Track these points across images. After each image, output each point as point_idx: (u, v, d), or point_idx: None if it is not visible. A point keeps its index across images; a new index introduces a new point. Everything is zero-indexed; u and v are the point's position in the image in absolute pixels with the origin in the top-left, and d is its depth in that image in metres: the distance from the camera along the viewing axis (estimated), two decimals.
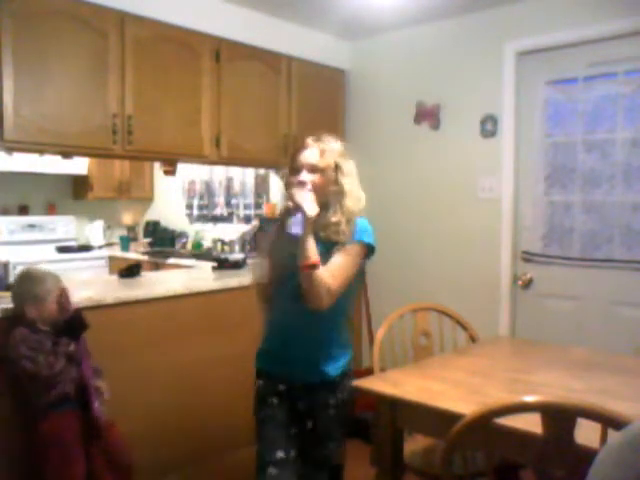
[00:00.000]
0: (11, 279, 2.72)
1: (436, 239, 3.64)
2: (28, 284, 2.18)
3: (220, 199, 5.29)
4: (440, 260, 3.62)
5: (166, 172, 5.53)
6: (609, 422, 1.24)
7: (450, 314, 2.60)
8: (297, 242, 1.65)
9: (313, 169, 1.75)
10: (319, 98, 3.87)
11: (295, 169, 1.76)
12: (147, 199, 5.93)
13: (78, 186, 5.48)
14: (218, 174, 5.28)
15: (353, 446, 3.32)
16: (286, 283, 1.77)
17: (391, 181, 3.84)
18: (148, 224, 5.76)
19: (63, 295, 2.19)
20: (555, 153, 3.18)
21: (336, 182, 1.77)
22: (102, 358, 2.42)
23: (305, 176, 1.73)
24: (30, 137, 2.57)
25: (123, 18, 2.83)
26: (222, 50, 3.26)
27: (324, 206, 1.74)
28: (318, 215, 1.68)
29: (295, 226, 1.64)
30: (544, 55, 3.19)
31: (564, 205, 3.16)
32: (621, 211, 2.97)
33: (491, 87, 3.36)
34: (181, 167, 5.20)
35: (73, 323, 2.17)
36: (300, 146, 1.81)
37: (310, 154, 1.77)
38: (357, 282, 1.85)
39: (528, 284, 3.28)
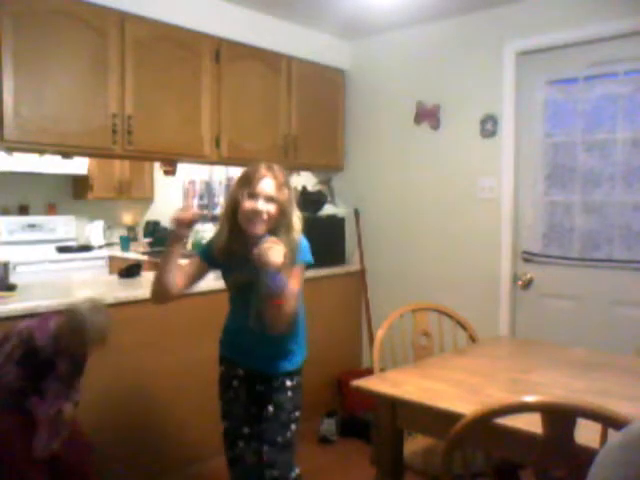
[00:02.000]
0: (11, 279, 2.73)
1: (436, 239, 3.64)
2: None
3: (220, 199, 5.30)
4: (440, 260, 3.62)
5: (166, 172, 5.55)
6: (609, 422, 1.24)
7: (450, 314, 2.60)
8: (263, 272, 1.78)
9: (269, 199, 1.90)
10: (319, 98, 3.87)
11: (253, 195, 1.90)
12: (147, 199, 5.93)
13: (78, 186, 5.48)
14: (218, 174, 5.28)
15: (353, 446, 3.34)
16: (241, 306, 2.00)
17: (391, 181, 3.84)
18: (148, 224, 5.76)
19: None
20: (555, 153, 3.18)
21: (285, 214, 1.93)
22: (102, 358, 2.42)
23: (262, 205, 1.89)
24: (30, 137, 2.57)
25: (123, 18, 2.83)
26: (222, 50, 3.26)
27: (273, 232, 1.90)
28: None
29: (277, 280, 1.76)
30: (544, 55, 3.19)
31: (564, 205, 3.16)
32: (621, 211, 2.97)
33: (491, 87, 3.36)
34: (181, 167, 5.22)
35: None
36: (256, 174, 1.93)
37: (268, 185, 1.91)
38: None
39: (528, 284, 3.28)
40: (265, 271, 1.75)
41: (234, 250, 1.97)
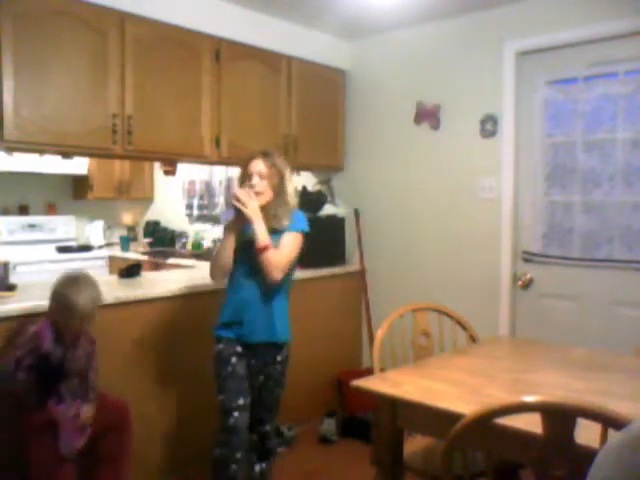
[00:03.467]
0: (11, 279, 2.72)
1: (436, 239, 3.64)
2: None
3: (220, 199, 5.29)
4: (440, 260, 3.62)
5: (166, 172, 5.55)
6: (609, 422, 1.24)
7: (450, 314, 2.60)
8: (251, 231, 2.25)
9: (262, 176, 2.31)
10: (319, 98, 3.87)
11: (247, 175, 2.34)
12: (147, 199, 5.93)
13: (78, 186, 5.48)
14: (218, 174, 5.28)
15: (353, 446, 3.34)
16: (244, 263, 2.33)
17: (391, 181, 3.84)
18: (148, 224, 5.76)
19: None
20: (555, 153, 3.18)
21: (281, 186, 2.34)
22: (101, 358, 2.42)
23: (255, 180, 2.31)
24: (30, 137, 2.57)
25: (123, 18, 2.83)
26: (222, 50, 3.26)
27: (271, 204, 2.32)
28: (263, 208, 2.27)
29: (223, 215, 2.11)
30: (544, 55, 3.19)
31: (564, 205, 3.16)
32: (621, 211, 2.97)
33: (491, 87, 3.36)
34: (181, 167, 5.22)
35: None
36: (249, 157, 2.37)
37: (258, 164, 2.32)
38: (296, 261, 2.42)
39: (528, 284, 3.27)
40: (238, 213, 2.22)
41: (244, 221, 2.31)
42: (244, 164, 2.38)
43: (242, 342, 2.35)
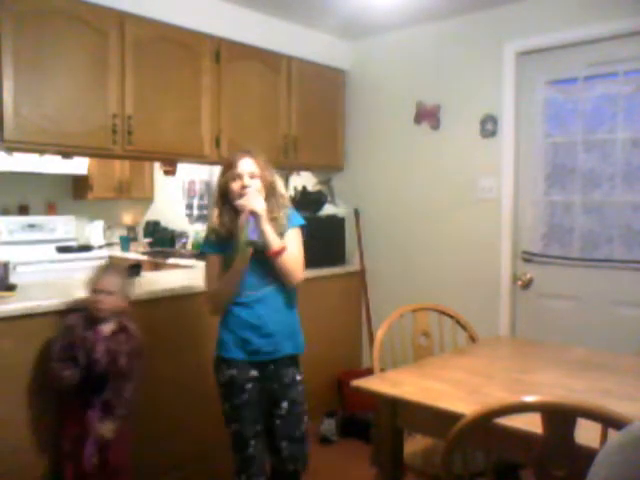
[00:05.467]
0: (11, 279, 2.72)
1: (436, 239, 3.64)
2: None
3: None
4: (440, 260, 3.62)
5: (166, 172, 5.55)
6: (609, 422, 1.24)
7: (450, 314, 2.60)
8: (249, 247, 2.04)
9: (252, 175, 2.11)
10: (319, 98, 3.87)
11: (237, 175, 2.11)
12: (147, 199, 5.93)
13: (78, 186, 5.48)
14: (218, 174, 5.27)
15: (353, 446, 3.34)
16: (248, 275, 2.12)
17: (391, 181, 3.84)
18: (148, 224, 5.76)
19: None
20: (555, 153, 3.18)
21: (272, 185, 2.17)
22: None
23: (248, 180, 2.09)
24: (30, 137, 2.57)
25: (123, 18, 2.83)
26: (222, 50, 3.26)
27: (267, 205, 2.12)
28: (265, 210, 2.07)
29: (252, 233, 1.99)
30: (544, 55, 3.19)
31: (564, 205, 3.16)
32: (621, 211, 2.97)
33: (491, 87, 3.36)
34: (181, 167, 5.22)
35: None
36: (235, 157, 2.15)
37: (248, 163, 2.12)
38: None
39: (528, 284, 3.27)
40: (247, 219, 2.01)
41: (229, 229, 2.14)
42: (229, 163, 2.16)
43: (259, 363, 2.15)
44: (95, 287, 2.28)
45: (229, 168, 2.14)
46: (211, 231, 2.19)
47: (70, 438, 2.23)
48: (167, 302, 2.83)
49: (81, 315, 2.28)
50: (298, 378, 2.21)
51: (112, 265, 2.45)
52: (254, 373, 2.15)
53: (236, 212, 2.09)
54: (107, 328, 2.27)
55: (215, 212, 2.17)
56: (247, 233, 1.98)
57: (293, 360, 2.21)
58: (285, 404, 2.16)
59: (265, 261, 2.09)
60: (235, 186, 2.10)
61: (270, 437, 2.18)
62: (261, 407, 2.17)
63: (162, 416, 2.80)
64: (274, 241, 2.05)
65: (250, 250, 2.05)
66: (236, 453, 2.16)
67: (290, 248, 2.11)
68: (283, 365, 2.18)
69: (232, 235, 2.11)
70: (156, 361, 2.75)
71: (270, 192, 2.15)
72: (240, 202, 2.05)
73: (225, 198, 2.14)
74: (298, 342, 2.22)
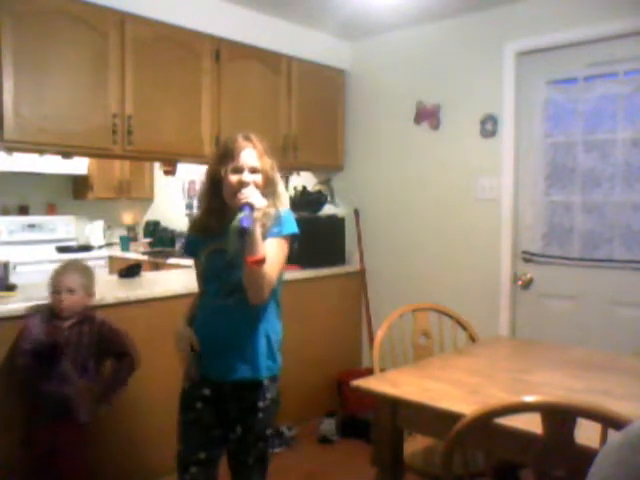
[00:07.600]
0: (11, 279, 2.72)
1: (436, 239, 3.64)
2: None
3: None
4: (440, 260, 3.62)
5: (166, 172, 5.54)
6: (609, 422, 1.24)
7: (450, 314, 2.60)
8: (239, 239, 1.71)
9: (254, 170, 1.84)
10: (319, 98, 3.87)
11: (237, 169, 1.83)
12: (147, 199, 5.93)
13: (78, 186, 5.49)
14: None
15: (353, 446, 3.34)
16: (213, 279, 1.88)
17: (391, 181, 3.84)
18: (148, 224, 5.76)
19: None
20: (555, 153, 3.18)
21: (270, 182, 1.89)
22: None
23: (247, 176, 1.82)
24: (30, 137, 2.57)
25: (123, 18, 2.83)
26: (222, 50, 3.26)
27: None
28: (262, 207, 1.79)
29: (245, 220, 1.68)
30: (544, 55, 3.19)
31: (564, 205, 3.16)
32: (621, 211, 2.97)
33: (491, 87, 3.36)
34: (181, 167, 5.21)
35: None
36: (235, 146, 1.86)
37: (250, 156, 1.84)
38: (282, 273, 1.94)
39: (528, 284, 3.27)
40: (241, 210, 1.71)
41: (210, 226, 1.90)
42: (227, 151, 1.87)
43: (212, 382, 1.88)
44: (56, 287, 2.26)
45: (226, 156, 1.85)
46: (191, 233, 2.00)
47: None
48: (167, 302, 2.83)
49: (40, 316, 2.28)
50: (260, 405, 1.85)
51: (73, 262, 2.37)
52: (206, 392, 1.89)
53: (226, 204, 1.85)
54: (67, 323, 2.28)
55: (202, 208, 1.95)
56: (240, 219, 1.70)
57: (254, 385, 1.85)
58: (239, 429, 1.87)
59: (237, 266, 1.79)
60: (233, 179, 1.82)
61: (213, 467, 1.93)
62: (212, 433, 1.89)
63: (162, 416, 2.79)
64: (259, 246, 1.71)
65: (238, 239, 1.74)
66: (178, 475, 1.93)
67: (268, 260, 1.73)
68: (242, 388, 1.86)
69: (206, 232, 1.90)
70: (156, 361, 2.75)
71: (268, 186, 1.87)
72: (238, 196, 1.76)
73: (216, 186, 1.87)
74: (259, 366, 1.84)
